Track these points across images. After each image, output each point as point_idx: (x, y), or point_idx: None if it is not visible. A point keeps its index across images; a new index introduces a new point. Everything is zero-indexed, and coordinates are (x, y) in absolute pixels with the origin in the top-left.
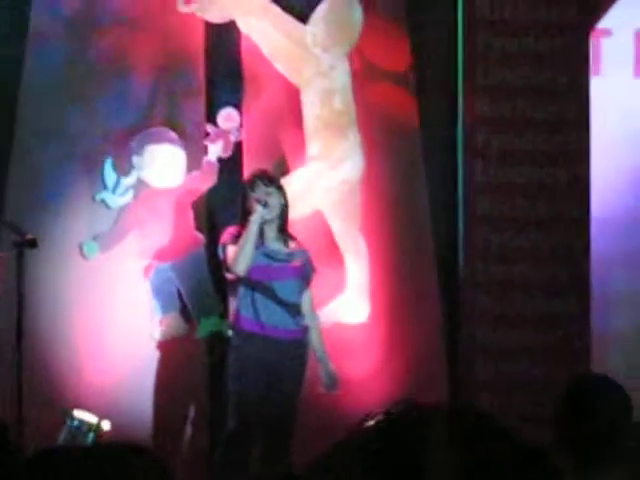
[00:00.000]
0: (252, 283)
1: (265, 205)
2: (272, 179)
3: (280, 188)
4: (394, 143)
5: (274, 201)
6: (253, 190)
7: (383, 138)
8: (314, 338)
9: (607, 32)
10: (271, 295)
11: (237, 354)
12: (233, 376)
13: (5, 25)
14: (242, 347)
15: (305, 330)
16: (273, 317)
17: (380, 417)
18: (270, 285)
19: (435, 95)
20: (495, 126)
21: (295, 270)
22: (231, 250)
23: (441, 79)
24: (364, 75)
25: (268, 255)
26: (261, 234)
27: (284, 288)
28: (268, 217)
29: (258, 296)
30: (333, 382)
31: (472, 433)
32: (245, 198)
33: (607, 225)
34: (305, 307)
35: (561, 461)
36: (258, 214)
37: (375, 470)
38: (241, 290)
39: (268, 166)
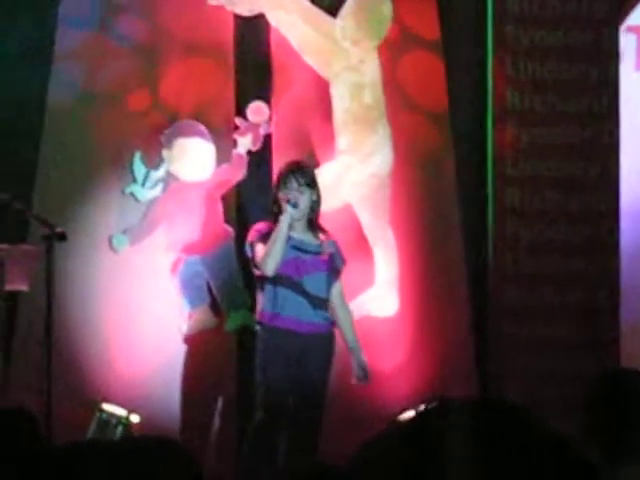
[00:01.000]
0: (280, 278)
1: (295, 205)
2: (305, 175)
3: (313, 185)
4: (424, 136)
5: (305, 198)
6: (285, 186)
7: (413, 132)
8: (346, 330)
9: None
10: (299, 289)
11: (263, 346)
12: (260, 368)
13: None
14: (268, 340)
15: (330, 324)
16: (298, 312)
17: (414, 413)
18: (299, 279)
19: (466, 86)
20: (525, 119)
21: (324, 263)
22: (259, 249)
23: (470, 72)
24: (395, 68)
25: (297, 247)
26: (290, 226)
27: (312, 282)
28: (297, 217)
29: (284, 290)
30: (365, 373)
31: (506, 425)
32: (276, 193)
33: (637, 218)
34: (336, 298)
35: (591, 453)
36: (288, 214)
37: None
38: (267, 285)
39: (296, 159)
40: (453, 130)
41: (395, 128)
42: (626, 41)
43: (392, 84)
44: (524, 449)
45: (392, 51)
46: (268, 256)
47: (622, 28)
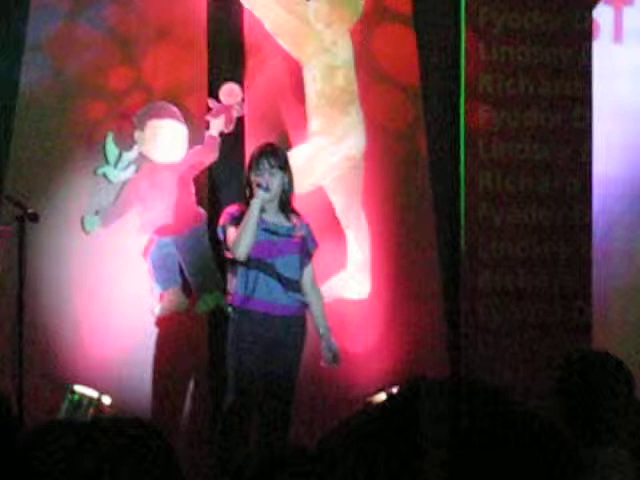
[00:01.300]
0: (252, 261)
1: (266, 189)
2: (278, 157)
3: (285, 168)
4: (396, 119)
5: (276, 181)
6: (257, 168)
7: (385, 114)
8: (316, 312)
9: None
10: (271, 272)
11: (235, 329)
12: (232, 350)
13: None
14: (239, 322)
15: (303, 306)
16: (271, 294)
17: (387, 394)
18: (271, 262)
19: (438, 70)
20: (497, 103)
21: (296, 245)
22: (231, 232)
23: (444, 55)
24: (367, 51)
25: (269, 230)
26: (262, 209)
27: (285, 264)
28: (269, 199)
29: (256, 273)
30: (335, 357)
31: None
32: (249, 176)
33: (608, 201)
34: (307, 281)
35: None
36: (259, 198)
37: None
38: (239, 267)
39: (270, 141)
40: (425, 111)
41: (367, 104)
42: (602, 13)
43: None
44: (502, 429)
45: (365, 24)
46: (239, 240)
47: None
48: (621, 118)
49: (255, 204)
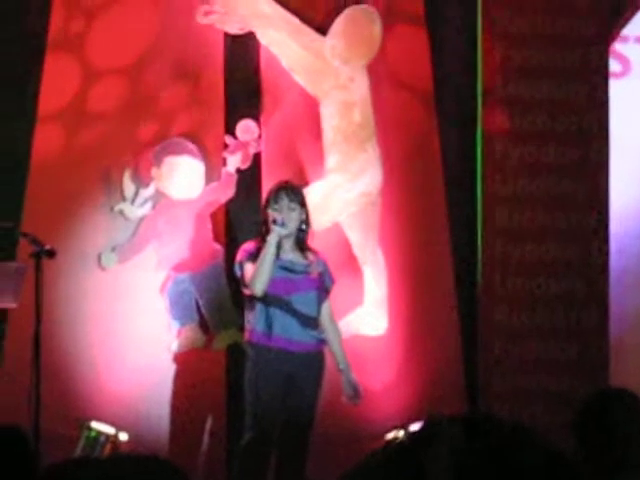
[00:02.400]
0: (269, 297)
1: (282, 225)
2: (296, 193)
3: (302, 204)
4: (413, 156)
5: (294, 217)
6: (276, 202)
7: (402, 151)
8: (335, 348)
9: None
10: (288, 308)
11: (253, 365)
12: (250, 387)
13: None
14: (257, 359)
15: (321, 342)
16: (288, 330)
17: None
18: (288, 298)
19: (454, 106)
20: (514, 138)
21: (313, 282)
22: (248, 268)
23: (461, 90)
24: (384, 86)
25: (286, 268)
26: (278, 246)
27: (302, 301)
28: (285, 233)
29: (274, 310)
30: (355, 392)
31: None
32: (266, 212)
33: (626, 239)
34: (324, 318)
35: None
36: (275, 234)
37: None
38: (257, 304)
39: (287, 177)
40: (443, 148)
41: (385, 150)
42: (635, 51)
43: (382, 115)
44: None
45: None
46: (257, 276)
47: (631, 39)
48: None
49: (272, 239)
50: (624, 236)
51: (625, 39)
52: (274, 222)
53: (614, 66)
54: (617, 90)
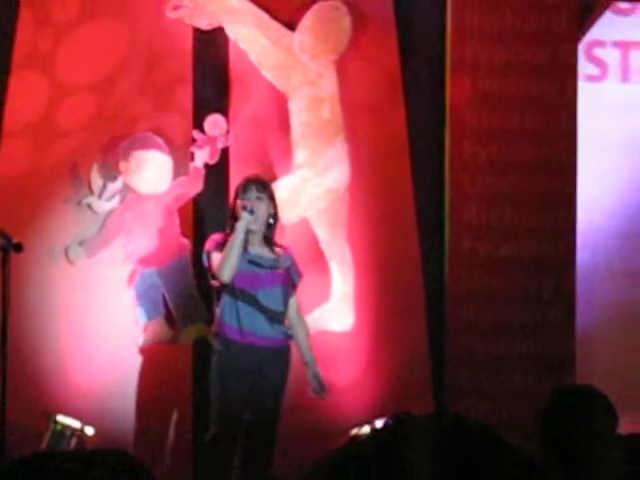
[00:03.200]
0: (236, 291)
1: (251, 212)
2: (265, 186)
3: (271, 198)
4: (381, 152)
5: (262, 208)
6: (244, 192)
7: (370, 147)
8: (302, 343)
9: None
10: (254, 303)
11: (219, 360)
12: (215, 381)
13: None
14: (224, 353)
15: (287, 338)
16: (255, 325)
17: (369, 431)
18: (254, 293)
19: (423, 104)
20: (483, 136)
21: (280, 277)
22: (216, 257)
23: (430, 89)
24: (352, 82)
25: (253, 262)
26: (246, 240)
27: (268, 296)
28: (254, 227)
29: (241, 304)
30: (321, 387)
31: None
32: (234, 203)
33: (591, 236)
34: (292, 312)
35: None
36: (244, 220)
37: None
38: (225, 297)
39: (255, 172)
40: (411, 143)
41: (353, 145)
42: (612, 55)
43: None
44: (486, 467)
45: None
46: (224, 262)
47: (608, 43)
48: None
49: (240, 226)
50: (590, 233)
51: (603, 43)
52: (244, 208)
53: (592, 69)
54: (595, 93)
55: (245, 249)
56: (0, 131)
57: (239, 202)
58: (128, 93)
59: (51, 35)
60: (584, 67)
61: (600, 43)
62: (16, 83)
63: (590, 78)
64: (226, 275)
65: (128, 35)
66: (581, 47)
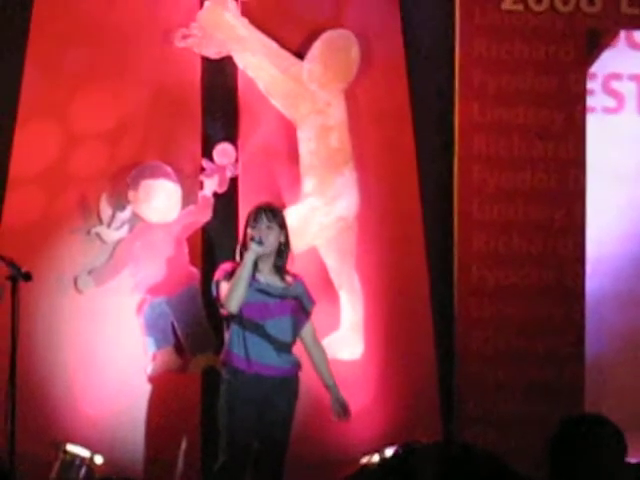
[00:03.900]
0: (244, 321)
1: (259, 242)
2: (276, 214)
3: (282, 226)
4: (390, 181)
5: (272, 237)
6: (255, 221)
7: (379, 176)
8: (321, 368)
9: None
10: (262, 333)
11: (227, 388)
12: (224, 410)
13: None
14: (232, 382)
15: (295, 367)
16: (262, 355)
17: (378, 460)
18: (262, 323)
19: (432, 132)
20: (491, 163)
21: (289, 307)
22: (224, 287)
23: (438, 116)
24: (361, 111)
25: (262, 290)
26: (255, 268)
27: (276, 326)
28: (263, 253)
29: (248, 334)
30: (344, 410)
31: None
32: (245, 231)
33: (601, 265)
34: (308, 339)
35: None
36: (252, 251)
37: None
38: (232, 327)
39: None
40: (419, 172)
41: (362, 175)
42: (629, 88)
43: (359, 140)
44: None
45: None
46: (231, 292)
47: (624, 76)
48: None
49: (249, 256)
50: (599, 260)
51: (619, 76)
52: (252, 239)
53: (609, 102)
54: (612, 124)
55: (254, 277)
56: (7, 179)
57: (249, 231)
58: (136, 120)
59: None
60: (602, 99)
61: (617, 76)
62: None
63: (607, 110)
64: (233, 306)
65: (136, 71)
66: (599, 80)
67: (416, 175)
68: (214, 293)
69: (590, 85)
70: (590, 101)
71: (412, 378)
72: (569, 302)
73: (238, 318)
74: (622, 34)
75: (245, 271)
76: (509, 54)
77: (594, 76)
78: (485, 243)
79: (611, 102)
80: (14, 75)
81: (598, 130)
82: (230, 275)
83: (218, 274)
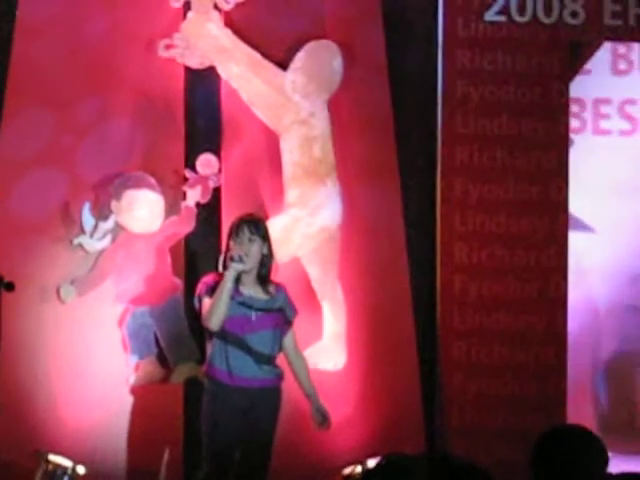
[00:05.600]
0: (226, 334)
1: (240, 261)
2: (258, 226)
3: (265, 238)
4: (373, 192)
5: (254, 249)
6: (237, 234)
7: (362, 187)
8: (301, 376)
9: None
10: (244, 346)
11: (209, 399)
12: (206, 420)
13: None
14: (215, 392)
15: (277, 378)
16: (243, 369)
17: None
18: (243, 337)
19: (415, 143)
20: (474, 175)
21: (272, 320)
22: (206, 302)
23: (421, 128)
24: (344, 121)
25: (244, 304)
26: (238, 280)
27: (258, 339)
28: (245, 268)
29: (231, 348)
30: (324, 418)
31: None
32: (228, 244)
33: (584, 276)
34: (289, 348)
35: None
36: (232, 269)
37: None
38: (215, 340)
39: (247, 212)
40: (402, 184)
41: (345, 185)
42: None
43: (342, 151)
44: None
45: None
46: (212, 312)
47: (639, 101)
48: None
49: (228, 276)
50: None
51: (634, 101)
52: (231, 259)
53: (623, 125)
54: (626, 145)
55: (237, 290)
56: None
57: (231, 244)
58: (118, 131)
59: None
60: (618, 123)
61: (632, 101)
62: None
63: (623, 133)
64: (214, 324)
65: (119, 81)
66: (615, 105)
67: (399, 186)
68: (197, 306)
69: (606, 110)
70: (606, 124)
71: (394, 389)
72: (552, 313)
73: (220, 332)
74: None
75: (225, 290)
76: (492, 65)
77: (609, 101)
78: (467, 254)
79: (627, 125)
80: None
81: (617, 151)
82: (212, 290)
83: (200, 288)
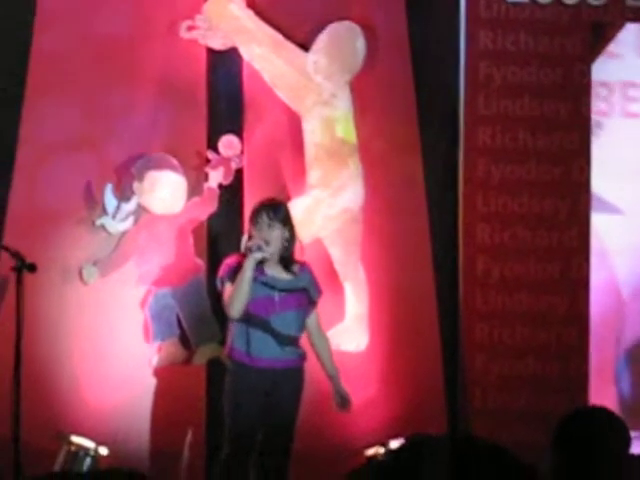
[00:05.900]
0: (249, 317)
1: (259, 249)
2: (278, 211)
3: (286, 222)
4: (395, 173)
5: (274, 234)
6: (257, 221)
7: (384, 168)
8: (324, 356)
9: None
10: (267, 328)
11: (232, 380)
12: (228, 401)
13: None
14: (237, 373)
15: (300, 358)
16: (264, 350)
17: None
18: (267, 318)
19: (437, 124)
20: (496, 155)
21: (295, 300)
22: (228, 287)
23: (443, 109)
24: (366, 103)
25: (267, 284)
26: (261, 261)
27: (281, 320)
28: (266, 256)
29: (253, 330)
30: (345, 401)
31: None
32: (250, 229)
33: (608, 257)
34: (312, 328)
35: None
36: (252, 259)
37: None
38: (236, 321)
39: (269, 193)
40: (424, 164)
41: (368, 166)
42: None
43: (365, 133)
44: None
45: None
46: (233, 301)
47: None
48: None
49: (248, 265)
50: (604, 254)
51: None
52: (249, 250)
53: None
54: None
55: (261, 270)
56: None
57: (251, 230)
58: (141, 112)
59: None
60: (625, 106)
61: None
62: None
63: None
64: (235, 312)
65: (142, 63)
66: (619, 89)
67: (421, 167)
68: (219, 288)
69: (634, 93)
70: (634, 107)
71: (417, 370)
72: (574, 294)
73: (244, 314)
74: None
75: (245, 280)
76: (514, 46)
77: (638, 85)
78: (490, 235)
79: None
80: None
81: (624, 132)
82: (234, 272)
83: (222, 270)
